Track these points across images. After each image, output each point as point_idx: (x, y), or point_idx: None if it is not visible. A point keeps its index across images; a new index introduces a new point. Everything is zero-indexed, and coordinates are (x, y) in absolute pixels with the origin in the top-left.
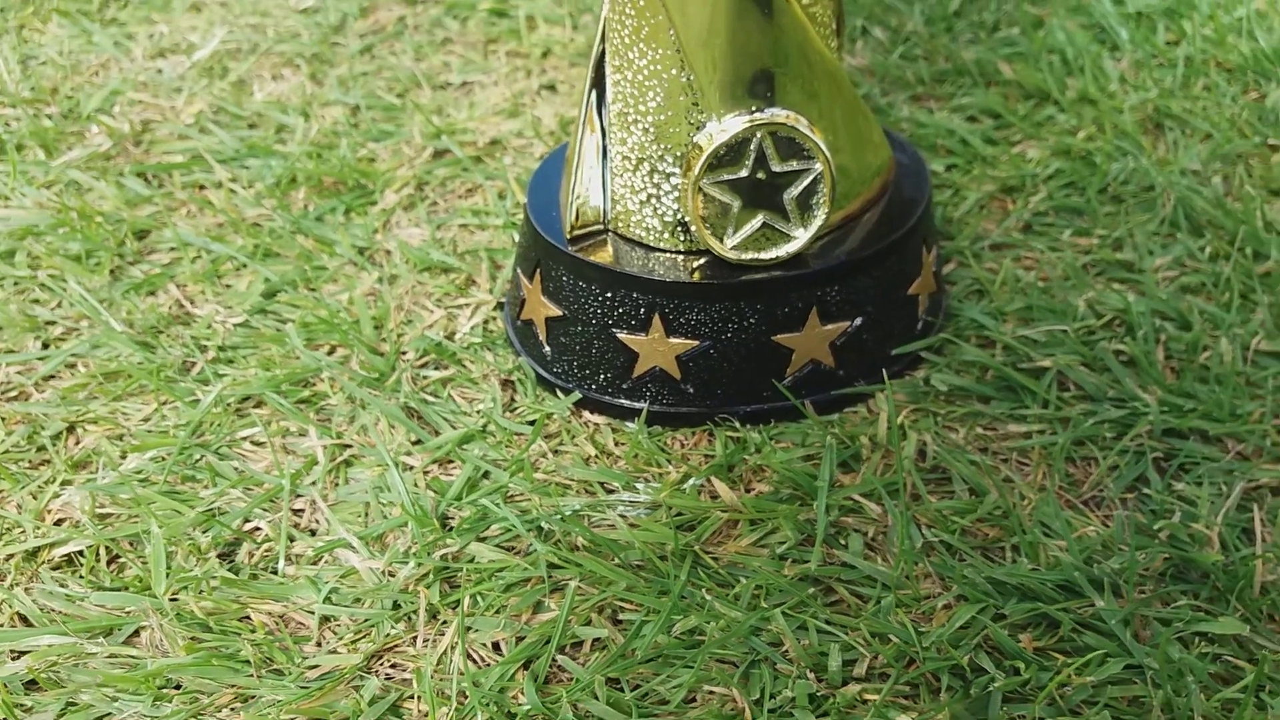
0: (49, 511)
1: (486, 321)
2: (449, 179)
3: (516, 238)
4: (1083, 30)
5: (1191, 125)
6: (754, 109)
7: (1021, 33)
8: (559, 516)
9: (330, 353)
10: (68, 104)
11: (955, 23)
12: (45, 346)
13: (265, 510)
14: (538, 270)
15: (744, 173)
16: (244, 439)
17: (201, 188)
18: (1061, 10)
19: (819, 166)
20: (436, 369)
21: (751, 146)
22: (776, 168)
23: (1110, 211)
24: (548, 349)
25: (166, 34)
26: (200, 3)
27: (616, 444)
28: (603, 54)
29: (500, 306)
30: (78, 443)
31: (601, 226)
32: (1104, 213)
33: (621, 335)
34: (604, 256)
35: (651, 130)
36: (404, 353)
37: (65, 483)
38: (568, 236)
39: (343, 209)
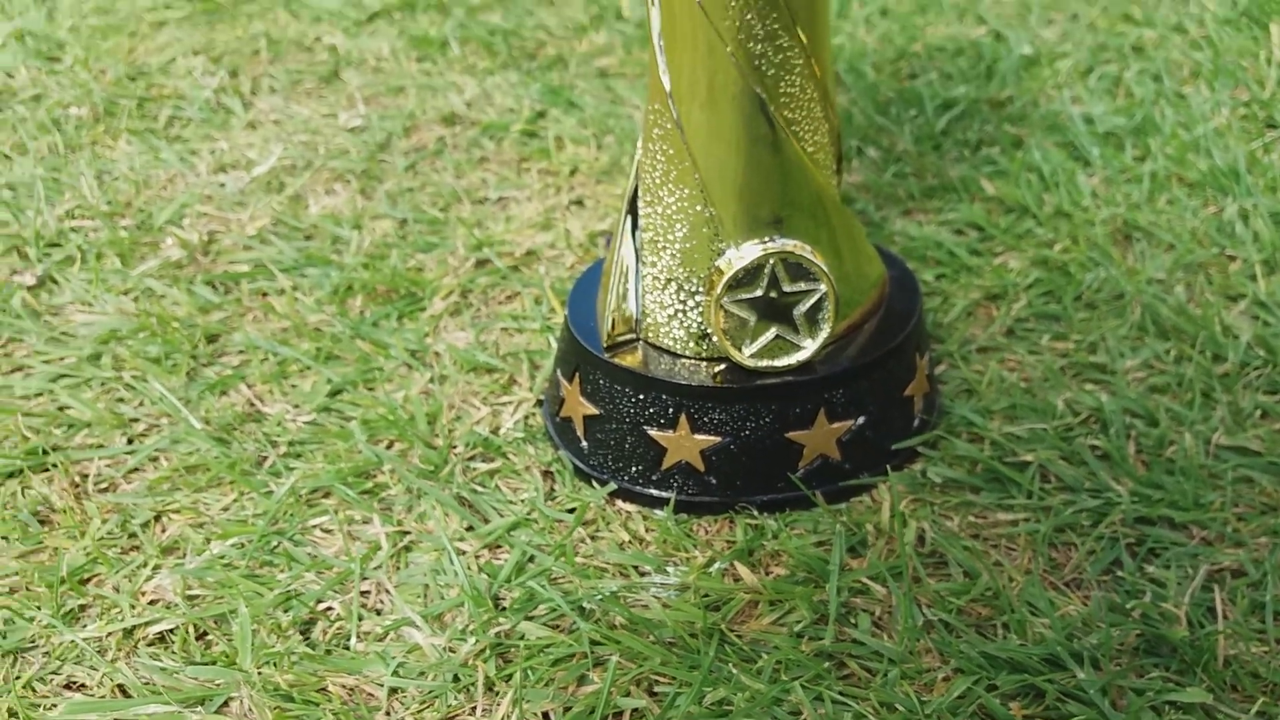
0: (143, 593)
1: (527, 417)
2: (490, 287)
3: (554, 341)
4: (1058, 148)
5: (1157, 237)
6: (767, 239)
7: (1002, 152)
8: (598, 597)
9: (389, 447)
10: (141, 216)
11: (942, 141)
12: (130, 442)
13: (336, 592)
14: (576, 374)
15: (759, 293)
16: (314, 526)
17: (265, 294)
18: (1038, 130)
19: (824, 288)
20: (484, 461)
21: (765, 271)
22: (787, 288)
23: (1085, 317)
24: (585, 444)
25: (227, 150)
26: (256, 121)
27: (647, 530)
28: (636, 190)
29: (539, 403)
30: (164, 530)
31: (634, 336)
32: (1079, 318)
33: (652, 432)
34: (636, 362)
35: (679, 255)
36: (455, 446)
37: (156, 567)
38: (604, 345)
39: (396, 315)
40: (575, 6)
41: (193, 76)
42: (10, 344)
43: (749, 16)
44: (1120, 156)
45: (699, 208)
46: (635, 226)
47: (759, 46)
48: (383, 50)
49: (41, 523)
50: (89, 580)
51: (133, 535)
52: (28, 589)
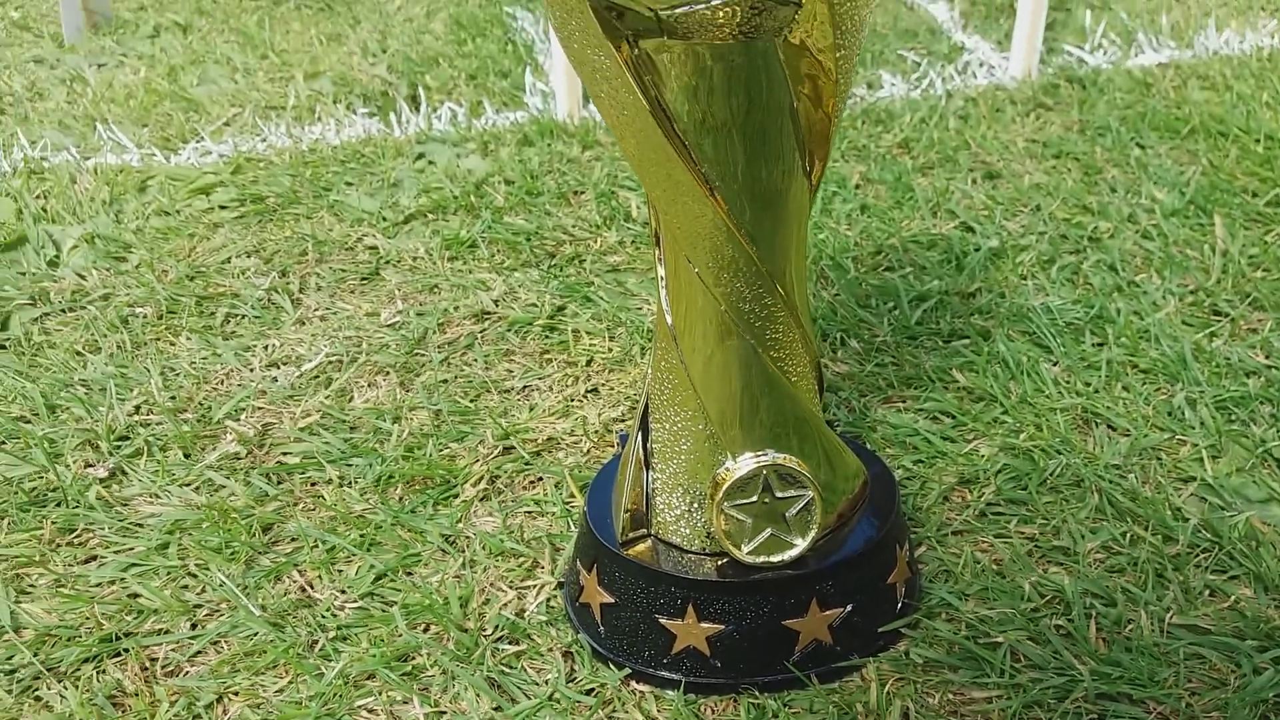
0: None
1: (549, 599)
2: (515, 473)
3: (573, 525)
4: (1022, 337)
5: (1114, 423)
6: (760, 453)
7: (971, 343)
8: None
9: (426, 630)
10: (201, 410)
11: (917, 332)
12: (194, 627)
13: None
14: (595, 565)
15: (754, 498)
16: (361, 707)
17: (315, 484)
18: (1005, 321)
19: (810, 493)
20: (511, 644)
21: (760, 480)
22: (779, 494)
23: (1049, 501)
24: (602, 628)
25: (278, 346)
26: (305, 318)
27: (659, 710)
28: (646, 406)
29: (560, 586)
30: (225, 712)
31: (646, 532)
32: (1043, 503)
33: (663, 620)
34: (649, 557)
35: (684, 465)
36: (485, 630)
37: None
38: (619, 540)
39: (431, 502)
40: (589, 208)
41: (246, 276)
42: (85, 534)
43: (739, 285)
44: (1079, 346)
45: (700, 426)
46: (646, 437)
47: (748, 305)
48: (419, 250)
49: (115, 706)
50: None
51: (197, 717)
52: None
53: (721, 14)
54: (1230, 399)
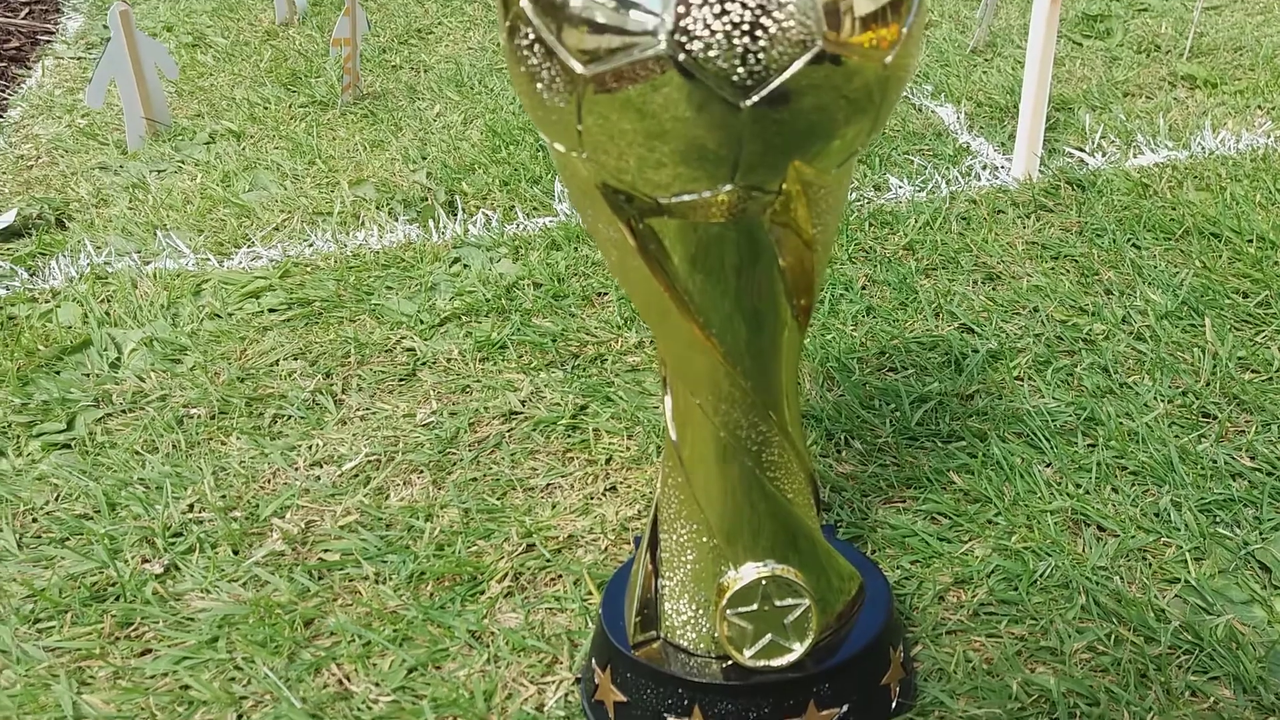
0: None
1: (567, 694)
2: (538, 570)
3: (590, 622)
4: (1016, 438)
5: (1102, 525)
6: (760, 564)
7: (967, 445)
8: None
9: None
10: (249, 508)
11: (917, 433)
12: (240, 718)
13: None
14: (609, 665)
15: (755, 606)
16: None
17: (352, 580)
18: (1000, 423)
19: (807, 601)
20: None
21: (760, 589)
22: (778, 603)
23: (1039, 602)
24: None
25: (322, 447)
26: (346, 419)
27: None
28: (655, 519)
29: (578, 682)
30: None
31: (656, 635)
32: (1033, 603)
33: (670, 718)
34: (658, 659)
35: (690, 574)
36: None
37: None
38: (631, 644)
39: (459, 599)
40: (611, 309)
41: (293, 378)
42: (141, 628)
43: (736, 415)
44: (1071, 448)
45: (705, 539)
46: (656, 547)
47: (745, 432)
48: (452, 352)
49: None
50: None
51: None
52: None
53: (714, 201)
54: (1215, 501)
